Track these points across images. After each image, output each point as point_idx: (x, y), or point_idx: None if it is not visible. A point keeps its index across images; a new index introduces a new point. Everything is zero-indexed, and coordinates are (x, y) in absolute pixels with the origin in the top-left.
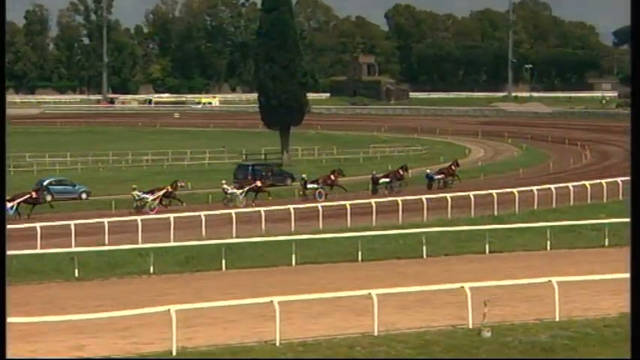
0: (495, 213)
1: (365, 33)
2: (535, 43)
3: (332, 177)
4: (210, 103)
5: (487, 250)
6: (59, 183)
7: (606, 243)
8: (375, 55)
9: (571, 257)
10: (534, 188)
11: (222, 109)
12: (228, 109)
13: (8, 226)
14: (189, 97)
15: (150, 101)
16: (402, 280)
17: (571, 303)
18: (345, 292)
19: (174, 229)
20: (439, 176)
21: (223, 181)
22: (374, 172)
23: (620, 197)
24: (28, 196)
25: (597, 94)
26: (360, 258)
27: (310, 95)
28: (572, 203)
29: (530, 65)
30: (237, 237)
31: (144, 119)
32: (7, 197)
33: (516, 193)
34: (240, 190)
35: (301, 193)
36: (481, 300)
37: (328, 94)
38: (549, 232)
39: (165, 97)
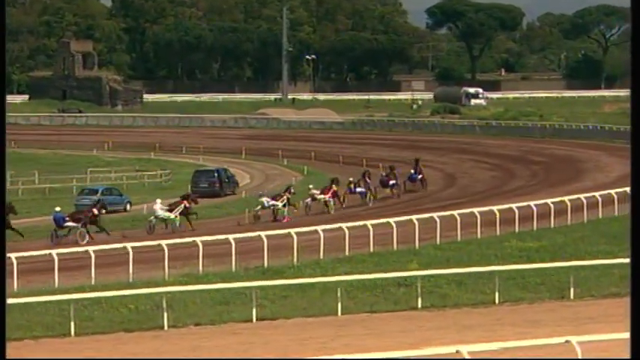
0: (266, 264)
1: (78, 9)
2: (319, 25)
3: (367, 179)
4: None
5: (255, 317)
6: (109, 192)
7: (419, 304)
8: (94, 41)
9: (371, 325)
10: (319, 228)
11: None
12: None
13: None
14: None
15: None
16: None
17: None
18: None
19: None
20: (393, 182)
21: (311, 186)
22: (382, 174)
23: (438, 240)
24: (183, 206)
25: (406, 95)
26: (72, 331)
27: None
28: (371, 249)
29: (313, 56)
30: None
31: None
32: (166, 207)
33: (294, 236)
34: (323, 196)
35: (342, 200)
36: None
37: (26, 97)
38: (340, 290)
39: None
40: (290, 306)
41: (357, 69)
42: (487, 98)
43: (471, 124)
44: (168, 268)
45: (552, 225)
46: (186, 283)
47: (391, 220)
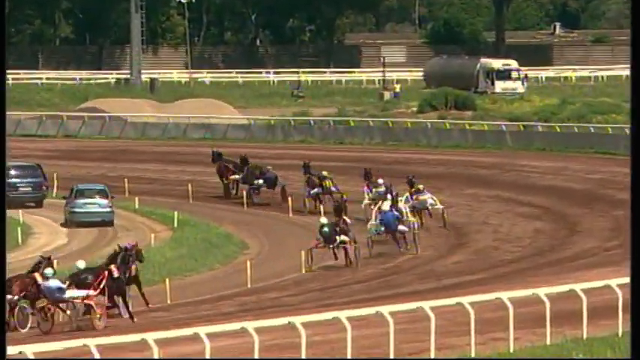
0: None
1: None
2: None
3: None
4: None
5: None
6: None
7: None
8: None
9: None
10: (202, 332)
11: None
12: None
13: None
14: None
15: None
16: None
17: None
18: None
19: None
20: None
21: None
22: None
23: (432, 354)
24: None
25: (372, 73)
26: None
27: None
28: None
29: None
30: None
31: None
32: None
33: (156, 347)
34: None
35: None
36: None
37: None
38: None
39: None
40: None
41: (275, 23)
42: (526, 79)
43: (497, 128)
44: None
45: None
46: None
47: (341, 314)
